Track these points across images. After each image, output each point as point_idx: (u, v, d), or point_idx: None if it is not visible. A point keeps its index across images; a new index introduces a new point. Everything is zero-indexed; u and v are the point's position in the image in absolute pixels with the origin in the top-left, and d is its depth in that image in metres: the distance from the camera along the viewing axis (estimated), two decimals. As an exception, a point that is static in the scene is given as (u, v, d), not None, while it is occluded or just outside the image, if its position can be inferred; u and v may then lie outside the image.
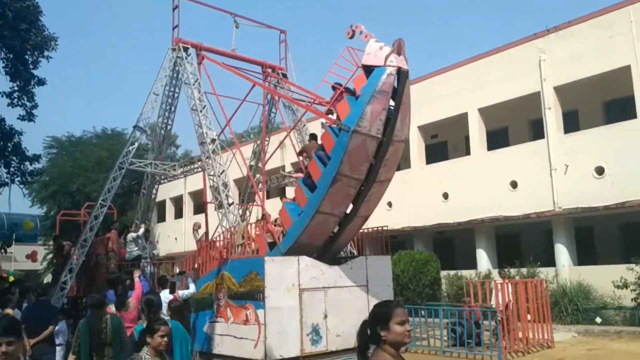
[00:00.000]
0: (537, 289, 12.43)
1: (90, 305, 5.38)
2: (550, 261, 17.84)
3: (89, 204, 15.48)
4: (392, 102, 9.83)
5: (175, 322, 4.54)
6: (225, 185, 13.13)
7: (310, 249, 11.65)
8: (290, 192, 28.23)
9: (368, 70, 9.82)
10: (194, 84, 14.30)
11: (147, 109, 14.19)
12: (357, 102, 9.73)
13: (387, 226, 14.15)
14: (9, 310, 7.71)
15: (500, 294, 11.47)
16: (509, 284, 12.01)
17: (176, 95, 15.83)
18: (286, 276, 11.37)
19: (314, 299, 11.80)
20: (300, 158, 12.76)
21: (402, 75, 9.45)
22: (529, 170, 18.22)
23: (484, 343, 11.58)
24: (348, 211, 11.11)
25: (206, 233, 14.55)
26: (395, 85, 9.60)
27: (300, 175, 12.16)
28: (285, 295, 11.30)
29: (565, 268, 17.14)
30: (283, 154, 28.36)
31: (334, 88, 10.94)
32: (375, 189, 10.68)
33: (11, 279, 30.30)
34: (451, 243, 23.77)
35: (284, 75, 17.18)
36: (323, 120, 11.02)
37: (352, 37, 10.22)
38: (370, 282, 12.96)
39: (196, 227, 14.60)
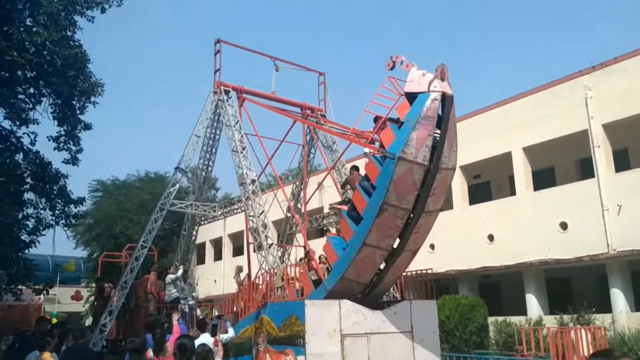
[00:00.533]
0: (595, 337, 11.60)
1: (130, 350, 5.17)
2: (605, 307, 16.79)
3: (130, 246, 15.56)
4: (437, 131, 9.52)
5: None
6: (265, 226, 12.97)
7: (357, 288, 11.21)
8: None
9: (411, 97, 9.49)
10: (234, 126, 14.41)
11: (188, 151, 14.32)
12: (402, 129, 9.37)
13: (431, 269, 13.61)
14: (46, 355, 7.58)
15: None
16: (567, 332, 11.24)
17: (217, 137, 15.99)
18: (327, 321, 10.96)
19: (356, 345, 11.30)
20: (343, 190, 12.53)
21: (446, 100, 9.13)
22: (579, 210, 17.43)
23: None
24: (395, 245, 10.61)
25: (249, 275, 14.33)
26: (440, 112, 9.30)
27: (344, 207, 11.82)
28: (327, 341, 10.86)
29: (622, 314, 16.08)
30: (322, 195, 28.21)
31: (375, 119, 10.72)
32: (424, 219, 10.13)
33: (54, 320, 30.63)
34: (498, 287, 22.80)
35: (323, 116, 17.20)
36: (366, 149, 10.73)
37: (392, 69, 9.99)
38: (415, 329, 12.38)
39: (238, 270, 14.42)
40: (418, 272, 14.29)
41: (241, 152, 13.99)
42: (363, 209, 10.17)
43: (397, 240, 10.55)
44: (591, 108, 17.51)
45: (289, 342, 10.91)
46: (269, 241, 12.84)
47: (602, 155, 17.15)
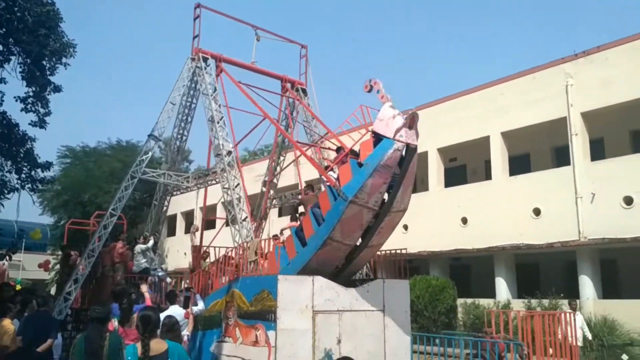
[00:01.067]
0: (564, 322, 11.72)
1: (92, 319, 4.86)
2: (572, 293, 17.04)
3: (99, 213, 15.08)
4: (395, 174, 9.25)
5: (173, 344, 3.97)
6: (240, 199, 12.67)
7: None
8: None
9: (377, 137, 9.12)
10: (211, 94, 13.97)
11: (163, 118, 13.84)
12: (360, 171, 9.15)
13: (406, 249, 13.53)
14: (6, 321, 7.24)
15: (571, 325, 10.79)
16: (536, 316, 11.28)
17: (193, 106, 15.54)
18: (300, 297, 10.79)
19: (327, 322, 11.18)
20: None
21: (409, 151, 8.86)
22: (553, 198, 17.58)
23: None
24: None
25: (201, 237, 14.11)
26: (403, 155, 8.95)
27: (295, 224, 11.93)
28: (298, 317, 10.70)
29: (589, 301, 16.37)
30: (296, 171, 27.92)
31: (338, 150, 11.03)
32: (366, 252, 10.55)
33: (18, 287, 29.88)
34: (468, 270, 23.04)
35: (304, 91, 16.84)
36: (324, 178, 10.39)
37: (369, 91, 9.60)
38: (387, 307, 12.32)
39: (194, 229, 14.17)
40: (391, 251, 14.23)
41: (218, 122, 13.59)
42: (309, 236, 10.25)
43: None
44: (571, 95, 17.55)
45: (259, 316, 10.72)
46: (243, 215, 12.56)
47: (579, 144, 17.25)
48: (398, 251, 14.04)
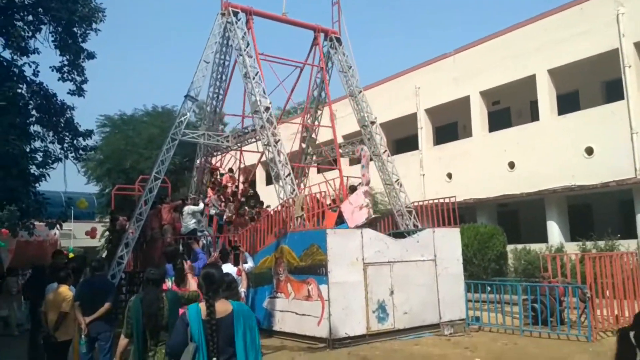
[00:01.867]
0: (627, 263, 11.21)
1: (147, 280, 4.73)
2: (630, 233, 16.38)
3: (143, 178, 15.11)
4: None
5: (237, 303, 3.75)
6: (281, 155, 12.44)
7: None
8: (342, 161, 27.35)
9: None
10: (245, 50, 13.59)
11: (197, 78, 13.58)
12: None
13: (454, 196, 13.14)
14: (64, 287, 7.28)
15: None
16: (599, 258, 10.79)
17: (227, 63, 15.21)
18: (349, 250, 10.67)
19: (379, 274, 11.05)
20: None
21: None
22: (606, 135, 16.71)
23: (568, 321, 10.50)
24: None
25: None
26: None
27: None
28: (349, 270, 10.61)
29: (648, 240, 15.70)
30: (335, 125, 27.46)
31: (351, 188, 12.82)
32: None
33: (71, 255, 30.91)
34: (516, 215, 22.43)
35: (338, 40, 16.24)
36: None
37: (358, 159, 12.58)
38: (439, 256, 12.12)
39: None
40: (438, 200, 13.86)
41: (253, 78, 13.25)
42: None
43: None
44: (622, 25, 16.40)
45: (310, 271, 10.65)
46: (286, 171, 12.35)
47: (632, 76, 16.23)
48: (445, 200, 13.70)
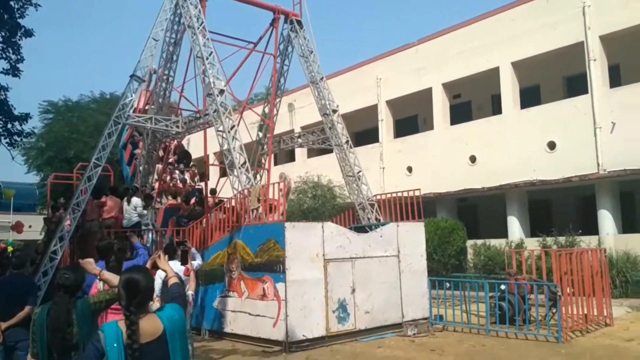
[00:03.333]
0: (594, 259, 10.84)
1: (57, 286, 3.70)
2: (590, 229, 16.22)
3: (82, 165, 13.83)
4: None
5: (169, 313, 2.84)
6: (236, 142, 11.47)
7: None
8: (299, 153, 26.49)
9: None
10: (198, 28, 12.51)
11: (145, 57, 12.41)
12: None
13: (419, 189, 12.50)
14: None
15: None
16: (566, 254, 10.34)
17: (178, 42, 14.04)
18: (309, 245, 9.84)
19: (340, 271, 10.27)
20: None
21: None
22: (569, 129, 16.47)
23: (537, 321, 10.01)
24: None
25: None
26: None
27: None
28: (309, 267, 9.78)
29: (609, 236, 15.53)
30: (292, 117, 26.61)
31: None
32: None
33: (10, 249, 28.82)
34: (475, 210, 22.13)
35: (299, 23, 15.33)
36: None
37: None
38: (402, 252, 11.43)
39: None
40: (402, 193, 13.17)
41: (207, 59, 12.20)
42: None
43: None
44: (588, 18, 16.16)
45: (266, 268, 9.77)
46: (242, 159, 11.39)
47: (597, 70, 16.02)
48: (406, 194, 13.02)
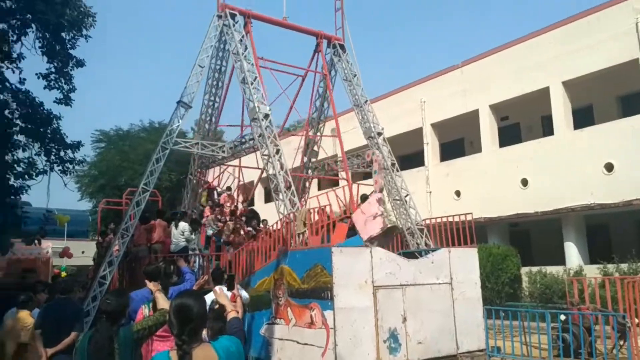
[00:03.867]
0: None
1: (99, 313, 3.54)
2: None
3: (131, 190, 14.01)
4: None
5: (225, 345, 2.60)
6: (282, 166, 11.35)
7: None
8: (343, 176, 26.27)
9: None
10: (242, 54, 12.60)
11: (191, 83, 12.57)
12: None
13: (471, 213, 12.03)
14: (23, 313, 6.14)
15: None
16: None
17: (223, 69, 14.21)
18: (358, 271, 9.50)
19: (390, 298, 9.87)
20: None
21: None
22: (626, 150, 15.66)
23: (605, 353, 9.32)
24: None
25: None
26: None
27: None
28: (357, 294, 9.42)
29: (677, 263, 14.54)
30: (335, 141, 26.45)
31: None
32: None
33: (63, 274, 29.46)
34: (528, 236, 21.27)
35: (342, 47, 15.30)
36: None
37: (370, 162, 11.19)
38: (455, 279, 10.93)
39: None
40: (452, 217, 12.69)
41: (251, 84, 12.23)
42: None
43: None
44: (644, 34, 15.48)
45: (313, 295, 9.47)
46: (287, 183, 11.25)
47: (656, 87, 15.25)
48: (457, 218, 12.55)
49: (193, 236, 12.52)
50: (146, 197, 11.61)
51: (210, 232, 13.74)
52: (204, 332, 4.75)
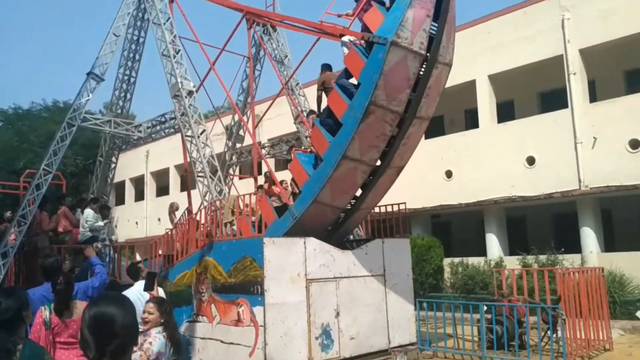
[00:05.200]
0: (593, 279, 10.17)
1: None
2: (572, 247, 15.71)
3: (30, 172, 12.38)
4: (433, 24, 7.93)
5: None
6: (207, 148, 10.37)
7: (330, 215, 9.45)
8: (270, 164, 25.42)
9: None
10: (165, 24, 11.42)
11: (105, 53, 11.22)
12: (394, 7, 7.80)
13: (405, 203, 11.66)
14: None
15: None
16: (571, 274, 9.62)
17: (141, 40, 12.88)
18: (290, 263, 8.77)
19: (324, 292, 9.23)
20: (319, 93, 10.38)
21: None
22: (549, 144, 16.02)
23: (539, 347, 9.23)
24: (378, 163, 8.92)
25: (189, 210, 11.70)
26: None
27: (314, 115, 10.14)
28: (290, 288, 8.70)
29: (593, 255, 15.05)
30: (260, 129, 25.48)
31: None
32: (415, 128, 8.56)
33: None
34: (449, 227, 21.50)
35: (272, 26, 14.41)
36: (346, 37, 8.64)
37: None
38: (388, 271, 10.48)
39: (174, 208, 11.85)
40: (385, 207, 12.29)
41: (174, 57, 11.09)
42: (342, 114, 8.27)
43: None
44: (568, 31, 15.86)
45: (241, 289, 8.64)
46: (213, 168, 10.29)
47: (577, 84, 15.68)
48: (390, 208, 12.18)
49: (101, 223, 11.21)
50: (48, 179, 10.19)
51: None
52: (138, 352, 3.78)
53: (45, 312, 4.26)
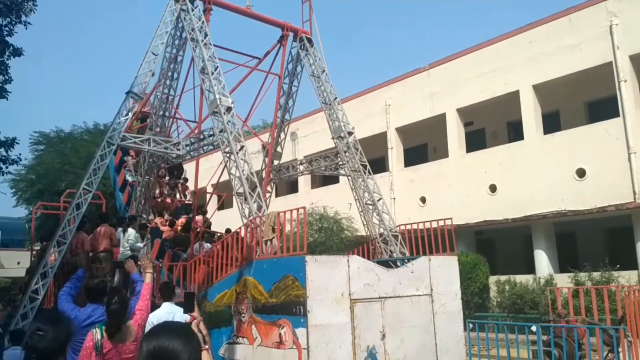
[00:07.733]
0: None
1: (27, 350, 2.31)
2: (627, 263, 14.83)
3: (70, 192, 12.40)
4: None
5: None
6: (247, 164, 10.15)
7: None
8: (303, 184, 25.21)
9: None
10: (202, 41, 11.33)
11: (143, 72, 11.18)
12: None
13: (451, 218, 11.16)
14: None
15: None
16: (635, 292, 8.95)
17: (179, 59, 12.86)
18: (334, 282, 8.39)
19: (368, 313, 8.80)
20: None
21: None
22: (599, 155, 15.27)
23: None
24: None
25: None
26: None
27: None
28: (334, 309, 8.30)
29: (652, 271, 14.16)
30: (295, 146, 25.34)
31: None
32: None
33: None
34: (493, 244, 20.72)
35: (309, 41, 14.24)
36: None
37: None
38: (435, 291, 9.98)
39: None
40: (430, 222, 11.75)
41: (212, 73, 10.97)
42: None
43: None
44: (617, 37, 15.18)
45: (283, 310, 8.29)
46: (253, 184, 10.04)
47: (629, 91, 14.95)
48: (435, 224, 11.63)
49: (140, 244, 11.08)
50: (88, 199, 10.11)
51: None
52: None
53: (96, 335, 3.98)
